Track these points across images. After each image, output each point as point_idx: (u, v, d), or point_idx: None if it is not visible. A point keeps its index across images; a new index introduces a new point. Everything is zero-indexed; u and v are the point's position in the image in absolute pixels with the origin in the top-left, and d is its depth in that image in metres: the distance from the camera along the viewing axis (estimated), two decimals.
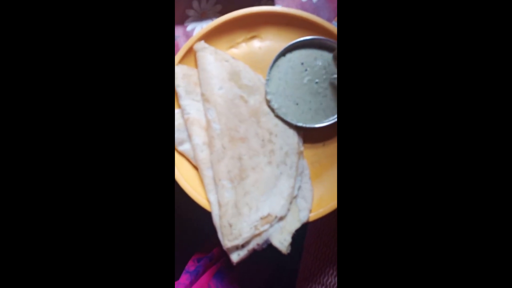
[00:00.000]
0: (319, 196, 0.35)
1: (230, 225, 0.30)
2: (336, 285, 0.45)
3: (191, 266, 0.53)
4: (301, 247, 0.51)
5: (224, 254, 0.54)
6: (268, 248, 0.57)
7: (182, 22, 0.42)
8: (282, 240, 0.31)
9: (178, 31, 0.42)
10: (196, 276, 0.49)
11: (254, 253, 0.55)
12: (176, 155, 0.36)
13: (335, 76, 0.35)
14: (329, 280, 0.46)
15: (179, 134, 0.35)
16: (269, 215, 0.31)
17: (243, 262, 0.54)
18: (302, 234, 0.50)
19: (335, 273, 0.45)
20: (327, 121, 0.35)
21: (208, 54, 0.35)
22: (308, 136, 0.36)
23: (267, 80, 0.36)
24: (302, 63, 0.36)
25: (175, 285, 0.45)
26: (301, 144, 0.36)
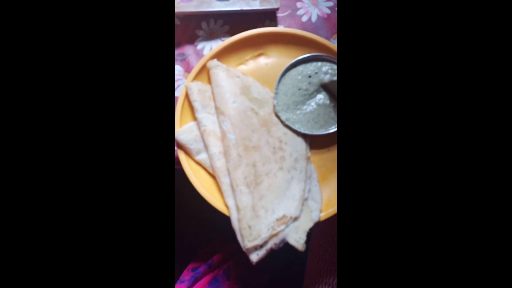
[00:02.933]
0: (327, 197, 0.38)
1: (250, 227, 0.33)
2: None
3: (185, 275, 0.53)
4: (306, 248, 0.53)
5: (224, 261, 0.56)
6: (269, 255, 0.58)
7: (193, 42, 0.45)
8: (298, 239, 0.34)
9: (189, 49, 0.45)
10: (193, 282, 0.50)
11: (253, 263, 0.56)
12: (194, 164, 0.38)
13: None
14: (335, 280, 0.48)
15: (196, 145, 0.38)
16: (284, 216, 0.34)
17: (242, 269, 0.54)
18: (307, 236, 0.53)
19: None
20: (330, 129, 0.38)
21: (221, 71, 0.39)
22: (314, 142, 0.40)
23: (275, 93, 0.39)
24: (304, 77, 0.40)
25: None
26: (308, 150, 0.39)
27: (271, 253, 0.60)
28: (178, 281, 0.52)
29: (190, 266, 0.56)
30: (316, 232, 0.51)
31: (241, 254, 0.56)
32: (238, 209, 0.34)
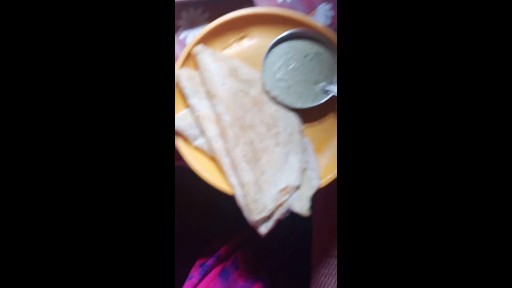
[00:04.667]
0: (323, 166, 0.40)
1: (255, 201, 0.34)
2: None
3: (194, 271, 0.54)
4: (310, 226, 0.54)
5: (231, 252, 0.56)
6: (275, 241, 0.59)
7: (175, 32, 0.45)
8: (302, 206, 0.35)
9: None
10: (203, 276, 0.50)
11: (260, 249, 0.56)
12: (193, 150, 0.39)
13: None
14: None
15: (192, 131, 0.38)
16: (286, 186, 0.35)
17: (250, 258, 0.55)
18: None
19: None
20: (319, 101, 0.40)
21: (207, 55, 0.39)
22: (306, 116, 0.41)
23: (263, 72, 0.40)
24: (287, 53, 0.41)
25: None
26: (301, 123, 0.41)
27: (278, 239, 0.61)
28: (188, 277, 0.52)
29: (198, 263, 0.56)
30: (316, 208, 0.53)
31: (248, 244, 0.57)
32: (242, 185, 0.35)
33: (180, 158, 0.50)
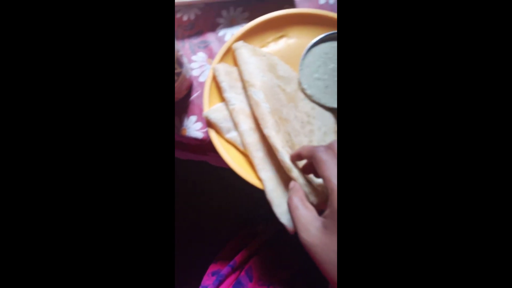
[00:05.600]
0: None
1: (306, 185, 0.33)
2: None
3: (206, 280, 0.52)
4: None
5: (245, 261, 0.54)
6: (290, 251, 0.56)
7: (214, 29, 0.46)
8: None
9: (211, 37, 0.46)
10: (217, 286, 0.48)
11: (275, 260, 0.53)
12: (224, 143, 0.39)
13: None
14: None
15: (226, 124, 0.38)
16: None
17: (263, 268, 0.53)
18: None
19: None
20: None
21: (247, 50, 0.40)
22: None
23: (300, 70, 0.40)
24: (327, 54, 0.40)
25: None
26: (337, 124, 0.39)
27: (292, 249, 0.58)
28: (200, 286, 0.50)
29: (209, 270, 0.54)
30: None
31: (262, 252, 0.55)
32: (288, 170, 0.33)
33: (200, 154, 0.50)
